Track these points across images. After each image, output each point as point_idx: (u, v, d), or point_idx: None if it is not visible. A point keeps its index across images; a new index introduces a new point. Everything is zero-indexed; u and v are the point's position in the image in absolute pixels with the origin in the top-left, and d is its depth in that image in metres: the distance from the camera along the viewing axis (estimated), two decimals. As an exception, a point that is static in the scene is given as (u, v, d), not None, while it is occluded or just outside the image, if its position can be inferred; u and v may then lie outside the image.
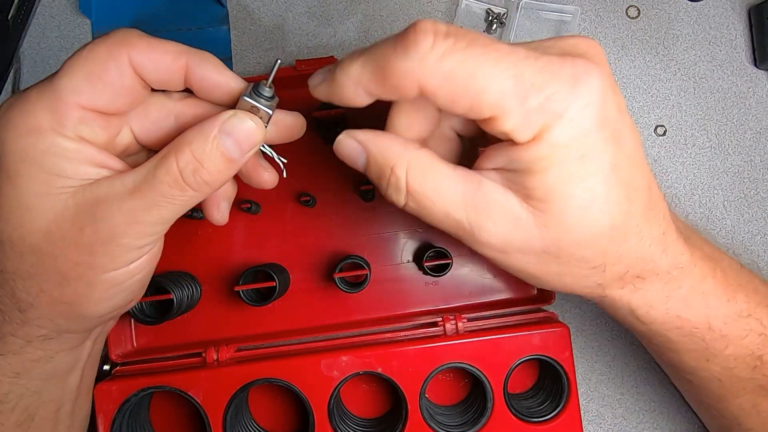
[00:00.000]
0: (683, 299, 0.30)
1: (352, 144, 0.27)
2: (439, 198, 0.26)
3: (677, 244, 0.29)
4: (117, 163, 0.27)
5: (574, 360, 0.41)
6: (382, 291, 0.45)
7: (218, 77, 0.28)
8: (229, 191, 0.32)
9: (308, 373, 0.41)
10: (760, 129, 0.48)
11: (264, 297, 0.41)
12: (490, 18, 0.48)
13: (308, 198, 0.43)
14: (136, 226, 0.26)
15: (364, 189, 0.42)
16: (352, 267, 0.42)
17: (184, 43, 0.28)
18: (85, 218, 0.26)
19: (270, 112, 0.27)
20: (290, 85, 0.45)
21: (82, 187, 0.26)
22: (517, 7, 0.48)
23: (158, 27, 0.48)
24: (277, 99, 0.28)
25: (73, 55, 0.26)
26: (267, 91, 0.27)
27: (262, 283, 0.41)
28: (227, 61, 0.48)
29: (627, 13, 0.49)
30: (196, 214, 0.42)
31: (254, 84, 0.27)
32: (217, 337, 0.44)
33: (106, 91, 0.26)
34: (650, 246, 0.28)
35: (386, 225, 0.45)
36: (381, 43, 0.24)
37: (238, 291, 0.40)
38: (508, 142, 0.24)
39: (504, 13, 0.48)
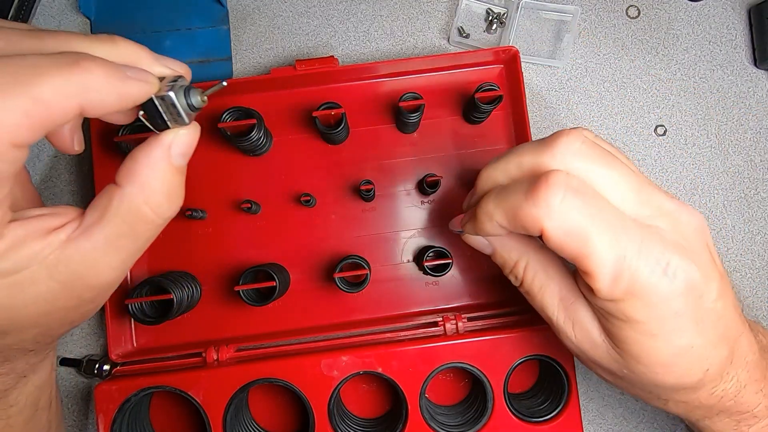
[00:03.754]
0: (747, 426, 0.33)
1: (482, 240, 0.34)
2: (541, 296, 0.32)
3: (754, 397, 0.31)
4: (60, 217, 0.24)
5: (575, 360, 0.42)
6: (382, 291, 0.45)
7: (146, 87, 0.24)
8: (78, 122, 0.29)
9: (308, 373, 0.41)
10: (760, 129, 0.48)
11: (264, 297, 0.41)
12: (490, 18, 0.48)
13: (308, 198, 0.43)
14: (123, 270, 0.26)
15: (364, 189, 0.41)
16: (352, 267, 0.42)
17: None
18: (78, 288, 0.25)
19: (189, 115, 0.26)
20: (290, 85, 0.45)
21: (53, 265, 0.24)
22: (517, 7, 0.48)
23: (158, 27, 0.48)
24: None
25: None
26: (199, 103, 0.25)
27: (262, 283, 0.41)
28: (227, 61, 0.48)
29: (627, 13, 0.49)
30: (196, 214, 0.42)
31: (188, 88, 0.25)
32: (217, 337, 0.44)
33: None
34: (721, 399, 0.31)
35: (386, 225, 0.45)
36: (513, 187, 0.28)
37: (238, 291, 0.40)
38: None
39: (504, 13, 0.48)
